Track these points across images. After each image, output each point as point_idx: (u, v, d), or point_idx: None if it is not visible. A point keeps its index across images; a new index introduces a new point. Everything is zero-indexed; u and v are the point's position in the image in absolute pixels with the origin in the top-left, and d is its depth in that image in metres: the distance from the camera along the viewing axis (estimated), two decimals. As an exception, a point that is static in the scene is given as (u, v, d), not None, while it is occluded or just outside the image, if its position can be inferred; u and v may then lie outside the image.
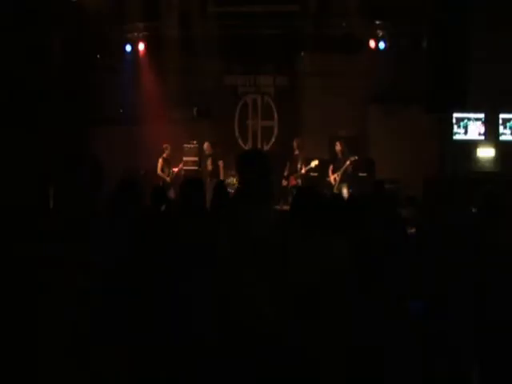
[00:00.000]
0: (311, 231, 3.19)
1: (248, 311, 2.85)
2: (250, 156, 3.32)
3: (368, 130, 12.29)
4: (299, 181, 10.99)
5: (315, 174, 11.39)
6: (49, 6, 10.02)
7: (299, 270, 3.02)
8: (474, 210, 4.73)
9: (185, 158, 11.92)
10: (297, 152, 11.14)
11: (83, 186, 3.43)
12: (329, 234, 3.24)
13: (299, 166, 11.06)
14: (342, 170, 10.65)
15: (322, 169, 11.18)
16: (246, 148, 12.66)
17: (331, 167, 10.95)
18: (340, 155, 10.86)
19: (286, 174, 11.23)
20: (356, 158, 10.70)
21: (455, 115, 11.54)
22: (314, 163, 10.95)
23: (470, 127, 11.62)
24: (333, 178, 10.82)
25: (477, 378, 3.85)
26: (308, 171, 11.09)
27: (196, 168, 11.90)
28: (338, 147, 10.90)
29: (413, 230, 4.75)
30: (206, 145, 11.70)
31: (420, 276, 3.77)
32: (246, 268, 2.88)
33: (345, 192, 10.38)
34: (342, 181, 10.68)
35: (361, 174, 11.04)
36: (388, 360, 3.44)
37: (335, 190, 10.43)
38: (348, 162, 10.63)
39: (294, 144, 11.19)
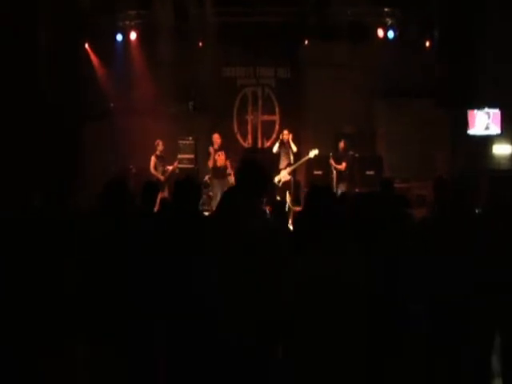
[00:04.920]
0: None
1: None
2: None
3: (375, 126, 12.21)
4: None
5: (319, 173, 11.14)
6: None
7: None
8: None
9: (180, 156, 11.38)
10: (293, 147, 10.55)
11: None
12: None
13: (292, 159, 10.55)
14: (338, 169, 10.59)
15: (325, 165, 10.92)
16: (246, 145, 12.41)
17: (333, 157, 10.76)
18: (342, 152, 10.75)
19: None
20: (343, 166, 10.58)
21: (469, 109, 11.20)
22: (314, 153, 10.47)
23: (486, 122, 11.16)
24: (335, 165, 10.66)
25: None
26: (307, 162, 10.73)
27: (192, 166, 11.41)
28: (341, 145, 10.79)
29: (424, 230, 4.56)
30: (215, 136, 10.60)
31: (427, 276, 3.88)
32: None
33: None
34: (340, 179, 10.54)
35: (368, 173, 10.99)
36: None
37: (334, 189, 10.22)
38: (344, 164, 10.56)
39: (289, 137, 10.56)
